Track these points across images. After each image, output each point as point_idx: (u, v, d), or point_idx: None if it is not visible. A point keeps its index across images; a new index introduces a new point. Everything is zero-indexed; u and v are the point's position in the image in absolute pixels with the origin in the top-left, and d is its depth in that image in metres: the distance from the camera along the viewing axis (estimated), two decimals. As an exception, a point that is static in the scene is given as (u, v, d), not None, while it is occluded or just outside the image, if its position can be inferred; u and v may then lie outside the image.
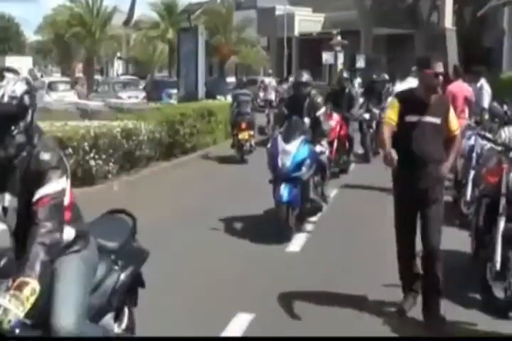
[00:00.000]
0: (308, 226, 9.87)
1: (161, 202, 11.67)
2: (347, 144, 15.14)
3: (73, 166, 11.84)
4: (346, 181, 13.97)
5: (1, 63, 53.36)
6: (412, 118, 6.07)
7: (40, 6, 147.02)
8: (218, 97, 29.10)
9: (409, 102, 6.13)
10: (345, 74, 16.53)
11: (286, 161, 9.11)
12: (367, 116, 16.94)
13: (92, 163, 12.24)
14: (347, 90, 15.58)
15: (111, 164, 12.73)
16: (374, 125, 16.75)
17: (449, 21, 47.30)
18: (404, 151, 5.89)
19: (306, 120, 9.95)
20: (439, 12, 48.96)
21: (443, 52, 38.17)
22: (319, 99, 10.45)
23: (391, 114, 6.17)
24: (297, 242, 9.06)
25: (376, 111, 16.79)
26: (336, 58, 45.79)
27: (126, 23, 65.96)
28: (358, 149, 17.20)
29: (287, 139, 9.34)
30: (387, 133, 6.06)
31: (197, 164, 16.59)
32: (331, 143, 12.46)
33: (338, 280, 7.45)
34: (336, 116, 14.32)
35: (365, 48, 50.41)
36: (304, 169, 9.18)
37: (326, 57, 45.45)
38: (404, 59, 46.98)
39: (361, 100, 17.45)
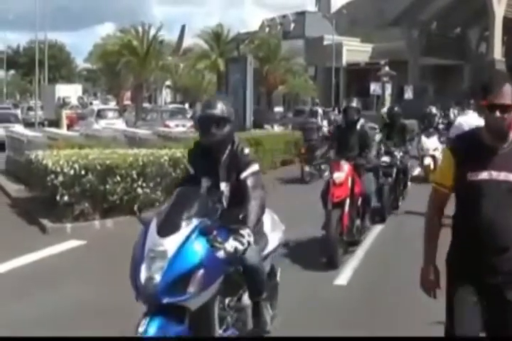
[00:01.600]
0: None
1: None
2: (360, 204, 10.02)
3: (120, 194, 11.89)
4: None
5: (52, 91, 54.31)
6: (476, 175, 3.92)
7: (90, 34, 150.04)
8: (265, 127, 29.18)
9: (471, 152, 3.98)
10: (396, 108, 14.33)
11: (153, 273, 4.58)
12: (386, 159, 12.97)
13: (140, 190, 12.26)
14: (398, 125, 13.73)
15: (158, 192, 12.73)
16: (394, 173, 13.10)
17: (498, 52, 47.06)
18: (467, 229, 3.99)
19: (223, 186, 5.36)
20: (487, 43, 48.71)
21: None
22: (246, 150, 5.34)
23: (442, 171, 4.20)
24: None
25: (398, 154, 13.25)
26: (383, 89, 45.66)
27: (175, 52, 66.75)
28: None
29: (165, 229, 4.71)
30: (433, 210, 4.18)
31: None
32: (338, 205, 9.13)
33: (382, 316, 7.27)
34: (345, 166, 9.61)
35: (412, 78, 50.23)
36: (192, 289, 4.53)
37: (374, 87, 45.37)
38: (453, 90, 46.84)
39: (377, 138, 13.43)
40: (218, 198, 5.22)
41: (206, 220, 4.81)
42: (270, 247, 5.68)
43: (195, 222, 4.74)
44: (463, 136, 4.30)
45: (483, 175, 3.90)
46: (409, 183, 14.58)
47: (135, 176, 12.18)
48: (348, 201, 9.31)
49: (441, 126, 21.17)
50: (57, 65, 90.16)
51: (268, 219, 5.76)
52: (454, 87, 47.43)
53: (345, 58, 59.64)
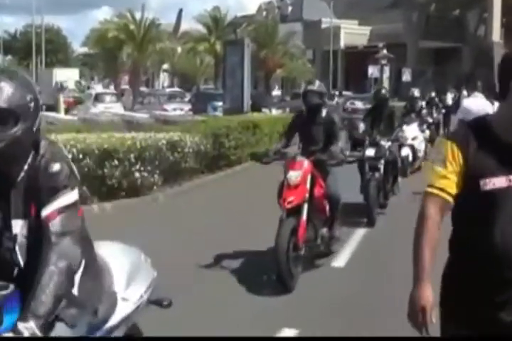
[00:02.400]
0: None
1: (206, 214, 11.62)
2: (327, 209, 8.21)
3: (119, 177, 11.91)
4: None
5: (49, 75, 54.17)
6: (491, 182, 2.90)
7: (86, 18, 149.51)
8: (263, 110, 29.15)
9: (482, 149, 2.93)
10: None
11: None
12: (371, 152, 11.21)
13: (138, 174, 12.26)
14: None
15: (156, 176, 12.74)
16: (382, 166, 11.33)
17: (496, 34, 46.91)
18: (476, 251, 2.97)
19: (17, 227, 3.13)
20: (486, 25, 48.55)
21: (490, 66, 37.79)
22: (57, 166, 3.07)
23: (441, 173, 2.99)
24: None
25: (385, 143, 11.49)
26: (381, 72, 45.58)
27: (173, 36, 66.53)
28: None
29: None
30: (430, 223, 2.99)
31: (242, 176, 16.53)
32: (293, 212, 7.44)
33: (382, 295, 7.30)
34: (303, 163, 7.83)
35: (411, 61, 50.13)
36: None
37: (372, 70, 45.28)
38: (451, 72, 46.77)
39: (362, 127, 11.87)
40: (7, 249, 3.01)
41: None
42: (120, 315, 3.51)
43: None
44: (470, 126, 3.08)
45: (501, 181, 2.89)
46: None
47: (133, 160, 12.19)
48: (305, 206, 7.52)
49: (424, 112, 18.58)
50: (54, 49, 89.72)
51: (123, 271, 3.76)
52: (453, 69, 47.34)
53: (343, 41, 59.51)
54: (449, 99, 27.59)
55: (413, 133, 15.95)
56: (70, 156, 10.22)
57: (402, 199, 13.64)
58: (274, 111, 32.10)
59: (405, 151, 15.09)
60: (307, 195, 7.58)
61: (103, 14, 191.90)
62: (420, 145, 16.50)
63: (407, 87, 38.93)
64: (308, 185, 7.64)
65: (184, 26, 71.15)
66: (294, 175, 7.59)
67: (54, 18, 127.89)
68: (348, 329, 6.21)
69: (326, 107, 8.58)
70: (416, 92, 17.50)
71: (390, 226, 10.81)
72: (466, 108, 13.93)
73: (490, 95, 14.73)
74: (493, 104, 11.55)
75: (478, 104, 12.79)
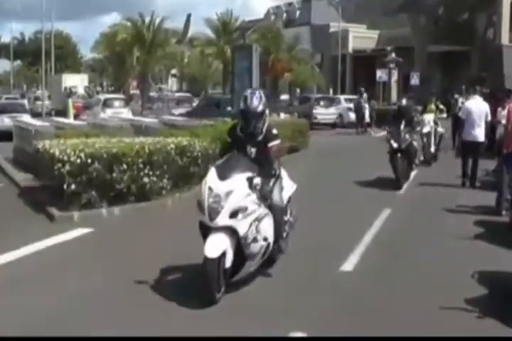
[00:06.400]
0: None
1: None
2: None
3: (128, 182, 11.95)
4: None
5: (58, 81, 54.35)
6: None
7: (94, 24, 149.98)
8: (272, 114, 29.15)
9: None
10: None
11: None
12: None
13: (146, 179, 12.30)
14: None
15: (165, 180, 12.77)
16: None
17: (505, 38, 46.77)
18: None
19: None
20: (495, 28, 48.43)
21: (499, 69, 37.73)
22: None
23: None
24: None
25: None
26: (389, 75, 45.51)
27: (181, 40, 66.65)
28: None
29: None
30: None
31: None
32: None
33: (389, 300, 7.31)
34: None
35: (419, 65, 50.04)
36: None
37: (380, 74, 45.22)
38: (460, 76, 46.67)
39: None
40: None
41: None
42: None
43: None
44: None
45: None
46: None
47: (141, 164, 12.23)
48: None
49: (415, 120, 17.70)
50: (64, 55, 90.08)
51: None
52: (462, 73, 47.25)
53: (352, 45, 59.43)
54: (460, 102, 27.50)
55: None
56: (78, 161, 10.51)
57: (411, 200, 13.69)
58: (283, 116, 32.08)
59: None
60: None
61: (112, 20, 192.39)
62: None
63: (416, 91, 38.91)
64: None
65: (193, 31, 71.25)
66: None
67: (64, 24, 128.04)
68: (356, 333, 6.23)
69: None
70: (404, 101, 17.07)
71: (399, 230, 10.83)
72: (467, 109, 15.44)
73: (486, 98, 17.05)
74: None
75: (477, 104, 15.27)
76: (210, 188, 7.00)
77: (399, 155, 15.38)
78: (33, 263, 8.73)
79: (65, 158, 11.61)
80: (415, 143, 16.57)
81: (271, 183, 7.62)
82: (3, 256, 8.88)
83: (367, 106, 35.03)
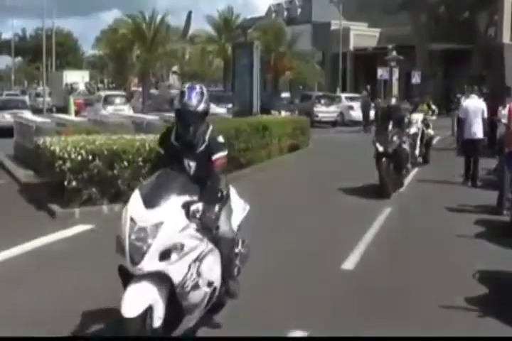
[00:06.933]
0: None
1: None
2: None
3: (128, 179, 11.94)
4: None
5: (59, 77, 54.33)
6: None
7: (97, 21, 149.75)
8: (272, 112, 29.15)
9: None
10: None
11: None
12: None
13: (147, 176, 12.27)
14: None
15: (165, 178, 12.75)
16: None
17: (507, 36, 46.72)
18: None
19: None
20: (496, 27, 48.38)
21: (500, 68, 37.64)
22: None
23: None
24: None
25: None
26: (391, 74, 45.46)
27: (182, 37, 66.59)
28: None
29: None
30: None
31: (251, 178, 16.51)
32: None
33: (388, 296, 7.32)
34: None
35: (420, 63, 50.01)
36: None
37: (381, 72, 45.16)
38: (461, 74, 46.65)
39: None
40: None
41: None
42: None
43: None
44: None
45: None
46: None
47: (142, 162, 12.22)
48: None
49: (406, 121, 17.17)
50: (65, 51, 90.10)
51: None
52: (463, 71, 47.20)
53: (353, 43, 59.37)
54: (462, 102, 27.48)
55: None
56: (79, 158, 10.28)
57: (412, 200, 13.69)
58: (283, 113, 32.07)
59: None
60: None
61: (112, 17, 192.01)
62: None
63: (417, 90, 38.92)
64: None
65: (194, 28, 71.19)
66: None
67: (64, 21, 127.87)
68: (356, 331, 6.23)
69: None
70: (394, 100, 16.74)
71: (399, 230, 10.83)
72: (465, 108, 15.79)
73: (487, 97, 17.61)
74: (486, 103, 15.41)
75: (473, 103, 15.59)
76: (132, 220, 5.12)
77: (383, 159, 13.86)
78: (35, 259, 8.74)
79: (66, 155, 11.62)
80: (406, 146, 15.14)
81: (216, 208, 5.57)
82: (4, 252, 8.89)
83: (373, 104, 34.97)
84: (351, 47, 58.95)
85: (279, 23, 57.22)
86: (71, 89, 47.80)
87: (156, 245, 4.99)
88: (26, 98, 40.63)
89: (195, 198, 5.42)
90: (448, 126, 27.72)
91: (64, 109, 36.71)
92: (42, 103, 43.06)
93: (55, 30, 59.13)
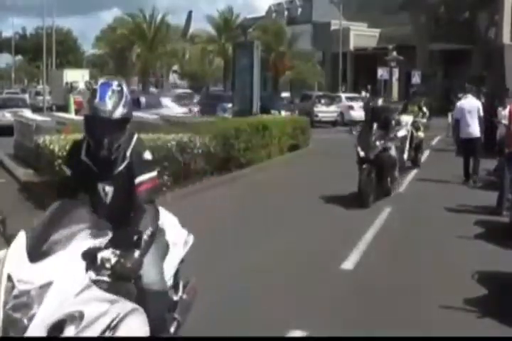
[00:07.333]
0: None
1: (215, 216, 11.65)
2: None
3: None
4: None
5: (59, 76, 54.28)
6: None
7: (97, 20, 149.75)
8: (272, 112, 29.12)
9: None
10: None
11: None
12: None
13: (147, 175, 12.27)
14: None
15: (165, 177, 12.76)
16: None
17: (507, 37, 46.67)
18: None
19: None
20: (497, 27, 48.36)
21: (501, 68, 37.63)
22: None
23: None
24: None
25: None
26: (391, 74, 45.46)
27: (182, 36, 66.59)
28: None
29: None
30: None
31: (250, 178, 16.53)
32: None
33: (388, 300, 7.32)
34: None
35: (420, 63, 50.00)
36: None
37: (381, 72, 45.18)
38: (461, 74, 46.62)
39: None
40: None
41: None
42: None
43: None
44: None
45: None
46: None
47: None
48: None
49: (393, 124, 14.98)
50: (65, 50, 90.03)
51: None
52: (463, 72, 47.18)
53: (353, 43, 59.39)
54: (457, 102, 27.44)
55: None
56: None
57: (409, 199, 13.69)
58: (283, 113, 32.04)
59: None
60: None
61: (112, 16, 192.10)
62: None
63: (417, 89, 38.86)
64: None
65: (194, 28, 71.19)
66: None
67: (65, 19, 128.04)
68: (356, 331, 6.23)
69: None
70: (380, 101, 15.01)
71: (398, 229, 10.84)
72: (460, 108, 15.85)
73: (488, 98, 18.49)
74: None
75: (468, 102, 15.68)
76: (10, 279, 3.50)
77: (364, 166, 12.59)
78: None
79: (65, 154, 11.59)
80: (392, 152, 13.60)
81: (136, 254, 3.99)
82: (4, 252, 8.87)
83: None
84: (351, 47, 58.97)
85: (279, 23, 57.26)
86: (71, 88, 47.70)
87: (42, 316, 3.43)
88: (26, 96, 40.64)
89: (104, 240, 3.93)
90: (445, 126, 27.72)
91: (64, 108, 36.68)
92: (42, 101, 43.01)
93: (55, 29, 59.00)
